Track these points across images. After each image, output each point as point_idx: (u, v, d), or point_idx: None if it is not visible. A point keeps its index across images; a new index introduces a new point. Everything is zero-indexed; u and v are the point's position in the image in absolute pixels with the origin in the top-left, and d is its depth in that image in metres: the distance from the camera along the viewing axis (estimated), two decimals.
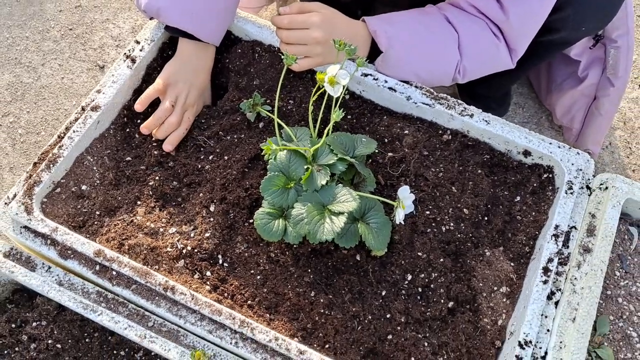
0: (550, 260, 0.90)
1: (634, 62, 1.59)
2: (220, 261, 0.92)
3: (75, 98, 1.46)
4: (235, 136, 1.02)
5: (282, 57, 0.90)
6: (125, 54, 1.04)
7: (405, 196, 0.89)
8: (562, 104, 1.39)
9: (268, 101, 1.05)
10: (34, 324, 0.87)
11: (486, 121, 1.02)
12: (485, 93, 1.41)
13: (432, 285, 0.94)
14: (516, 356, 0.83)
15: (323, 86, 0.87)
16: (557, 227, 0.93)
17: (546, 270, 0.89)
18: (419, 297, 0.93)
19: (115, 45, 1.54)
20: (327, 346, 0.87)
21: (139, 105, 1.00)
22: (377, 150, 1.01)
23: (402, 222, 0.90)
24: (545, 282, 0.88)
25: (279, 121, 0.94)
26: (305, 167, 0.87)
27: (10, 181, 1.35)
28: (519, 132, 1.02)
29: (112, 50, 1.53)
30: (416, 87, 1.05)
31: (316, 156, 0.89)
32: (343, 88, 0.86)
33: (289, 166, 0.88)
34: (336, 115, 0.83)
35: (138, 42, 1.06)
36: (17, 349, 0.86)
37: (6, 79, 1.47)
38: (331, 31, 1.01)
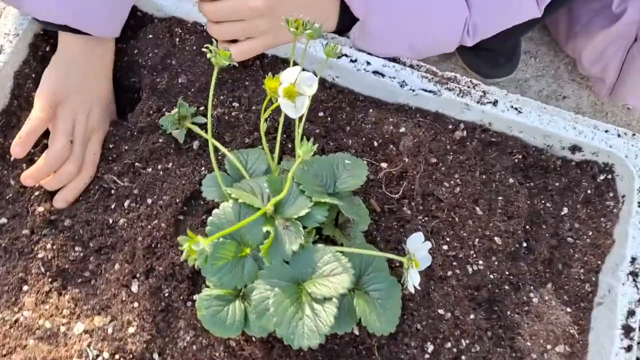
0: (631, 313, 0.63)
1: None
2: None
3: None
4: (159, 167, 0.70)
5: (209, 49, 0.57)
6: None
7: (417, 247, 0.59)
8: (590, 48, 1.08)
9: (202, 108, 0.72)
10: None
11: (517, 109, 0.71)
12: (492, 47, 1.09)
13: (463, 358, 0.66)
14: None
15: (275, 99, 0.55)
16: (634, 260, 0.65)
17: (628, 330, 0.62)
18: None
19: None
20: None
21: (19, 149, 0.65)
22: (366, 161, 0.70)
23: (418, 287, 0.61)
24: (629, 348, 0.62)
25: (216, 143, 0.62)
26: (265, 229, 0.56)
27: None
28: (564, 121, 0.71)
29: None
30: (412, 66, 0.73)
31: (281, 205, 0.58)
32: (308, 100, 0.54)
33: (241, 228, 0.57)
34: (305, 150, 0.51)
35: None
36: None
37: None
38: None
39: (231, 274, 0.57)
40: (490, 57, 1.13)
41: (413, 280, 0.58)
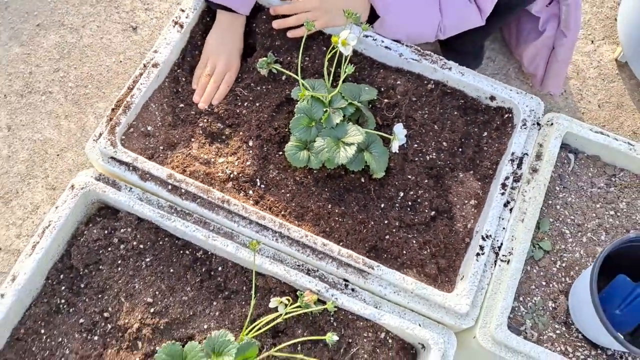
0: (507, 178, 1.21)
1: (589, 21, 1.86)
2: (259, 183, 1.21)
3: (114, 56, 1.70)
4: (264, 87, 1.29)
5: (304, 24, 1.16)
6: (173, 20, 1.29)
7: (399, 131, 1.18)
8: (527, 54, 1.66)
9: (285, 58, 1.32)
10: (122, 230, 1.16)
11: (461, 73, 1.30)
12: (463, 49, 1.68)
13: (418, 200, 1.24)
14: (480, 246, 1.15)
15: (337, 46, 1.14)
16: (513, 154, 1.23)
17: (504, 185, 1.20)
18: (408, 208, 1.23)
19: (144, 9, 1.76)
20: (341, 244, 1.18)
21: (197, 97, 1.26)
22: (376, 97, 1.29)
23: (397, 152, 1.19)
24: (502, 194, 1.19)
25: (298, 79, 1.21)
26: (324, 110, 1.15)
27: (66, 127, 1.61)
28: (487, 82, 1.30)
29: (142, 13, 1.76)
30: (407, 45, 1.33)
31: (331, 101, 1.17)
32: (352, 48, 1.13)
33: (311, 109, 1.16)
34: (348, 69, 1.11)
35: (183, 10, 1.31)
36: (110, 248, 1.15)
37: (53, 39, 1.70)
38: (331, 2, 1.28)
39: (305, 133, 1.16)
40: (463, 57, 1.71)
41: (394, 147, 1.17)
